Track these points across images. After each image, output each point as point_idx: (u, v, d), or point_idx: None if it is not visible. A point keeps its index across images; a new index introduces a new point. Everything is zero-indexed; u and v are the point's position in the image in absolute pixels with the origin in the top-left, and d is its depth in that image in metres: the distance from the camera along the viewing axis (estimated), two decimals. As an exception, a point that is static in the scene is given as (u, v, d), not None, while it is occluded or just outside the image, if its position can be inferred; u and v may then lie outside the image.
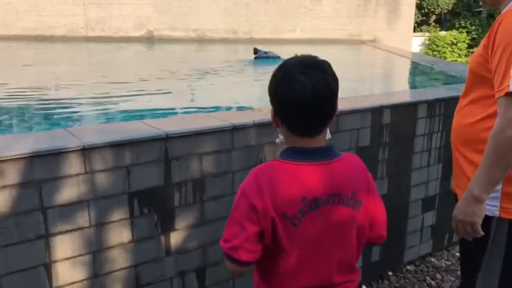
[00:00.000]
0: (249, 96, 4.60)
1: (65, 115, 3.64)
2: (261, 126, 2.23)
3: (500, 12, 1.66)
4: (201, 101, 4.35)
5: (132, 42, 10.32)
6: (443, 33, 16.52)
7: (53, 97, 4.45)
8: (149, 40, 10.78)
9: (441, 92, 3.32)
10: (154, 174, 1.99)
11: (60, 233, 1.81)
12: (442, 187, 3.24)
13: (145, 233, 2.02)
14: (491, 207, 1.68)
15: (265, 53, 7.44)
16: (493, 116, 1.60)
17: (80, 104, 4.18)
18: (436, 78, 5.63)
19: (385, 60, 8.80)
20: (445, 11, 18.68)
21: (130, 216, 1.96)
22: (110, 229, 1.92)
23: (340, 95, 1.25)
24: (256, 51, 7.57)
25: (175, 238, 2.10)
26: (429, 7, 18.25)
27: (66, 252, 1.84)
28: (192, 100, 4.18)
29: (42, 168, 1.72)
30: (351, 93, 3.61)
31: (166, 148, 2.00)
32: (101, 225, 1.90)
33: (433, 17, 19.21)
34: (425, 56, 12.38)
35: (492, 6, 1.85)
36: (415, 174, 3.06)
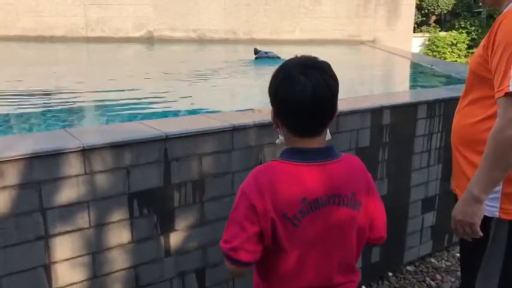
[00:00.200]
0: (249, 96, 4.60)
1: (65, 115, 3.64)
2: (261, 127, 2.23)
3: (500, 13, 1.66)
4: (202, 102, 4.35)
5: (132, 43, 10.32)
6: (443, 33, 16.53)
7: (53, 97, 4.45)
8: (149, 40, 10.76)
9: (441, 92, 3.31)
10: (154, 175, 1.99)
11: (60, 233, 1.81)
12: (442, 187, 3.24)
13: (145, 234, 2.02)
14: (491, 208, 1.67)
15: (266, 53, 7.48)
16: (493, 116, 1.60)
17: (80, 103, 4.17)
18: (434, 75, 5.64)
19: (385, 61, 8.80)
20: (445, 12, 18.68)
21: (130, 217, 1.96)
22: (109, 230, 1.92)
23: (339, 95, 1.25)
24: (256, 51, 7.63)
25: (175, 239, 2.10)
26: (429, 7, 18.26)
27: (65, 253, 1.83)
28: (192, 104, 4.18)
29: (42, 169, 1.72)
30: (351, 94, 3.61)
31: (166, 149, 1.99)
32: (100, 226, 1.90)
33: (433, 18, 19.21)
34: (425, 56, 12.39)
35: (492, 7, 1.85)
36: (415, 174, 3.06)
